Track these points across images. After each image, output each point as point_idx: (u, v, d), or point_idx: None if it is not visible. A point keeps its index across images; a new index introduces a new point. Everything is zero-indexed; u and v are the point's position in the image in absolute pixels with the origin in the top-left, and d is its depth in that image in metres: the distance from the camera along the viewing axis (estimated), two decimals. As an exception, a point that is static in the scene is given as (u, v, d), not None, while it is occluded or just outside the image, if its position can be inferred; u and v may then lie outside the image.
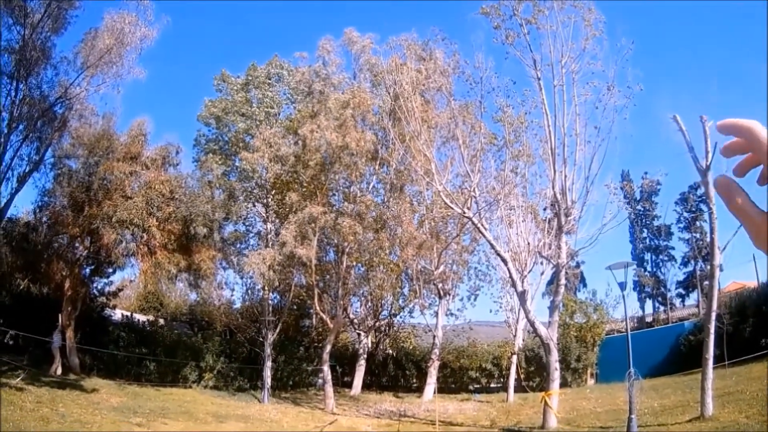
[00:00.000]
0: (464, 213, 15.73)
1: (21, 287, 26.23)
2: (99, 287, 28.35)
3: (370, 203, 24.51)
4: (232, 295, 32.18)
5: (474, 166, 16.97)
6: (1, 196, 21.95)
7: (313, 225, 23.39)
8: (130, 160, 23.48)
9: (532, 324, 15.44)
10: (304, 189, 25.74)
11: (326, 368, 24.93)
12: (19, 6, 21.26)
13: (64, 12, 22.83)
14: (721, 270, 14.85)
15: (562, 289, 15.73)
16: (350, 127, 23.99)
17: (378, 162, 27.38)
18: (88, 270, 26.28)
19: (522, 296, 15.48)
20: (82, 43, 22.97)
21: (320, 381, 28.65)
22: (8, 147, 21.50)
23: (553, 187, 16.26)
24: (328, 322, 24.94)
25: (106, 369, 24.99)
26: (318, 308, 24.40)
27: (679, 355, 27.60)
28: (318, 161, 24.52)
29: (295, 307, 32.84)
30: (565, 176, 16.16)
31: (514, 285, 16.14)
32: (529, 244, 17.10)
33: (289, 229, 23.22)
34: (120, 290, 31.07)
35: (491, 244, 15.79)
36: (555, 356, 15.53)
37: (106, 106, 24.86)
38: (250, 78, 30.25)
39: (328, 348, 25.26)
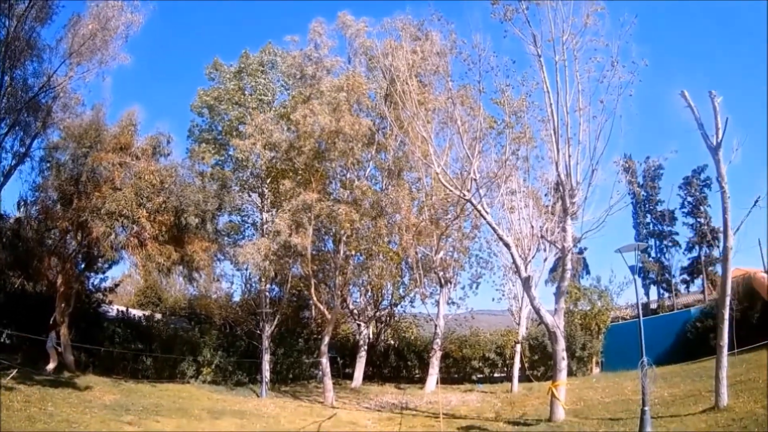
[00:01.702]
0: (463, 195, 14.95)
1: (15, 285, 25.61)
2: (95, 283, 27.71)
3: (367, 190, 23.64)
4: (230, 288, 31.54)
5: (473, 150, 16.08)
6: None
7: (308, 213, 22.64)
8: (119, 151, 22.66)
9: (537, 311, 14.68)
10: (299, 177, 24.93)
11: (324, 360, 24.19)
12: (3, -5, 20.58)
13: (49, 2, 22.09)
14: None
15: (568, 275, 14.98)
16: (345, 111, 23.16)
17: (375, 148, 26.55)
18: (82, 265, 25.62)
19: (526, 282, 14.70)
20: (66, 29, 22.32)
21: (320, 374, 28.16)
22: (-7, 140, 20.93)
23: (556, 168, 15.49)
24: (326, 312, 24.18)
25: (102, 366, 24.27)
26: (315, 299, 23.62)
27: (686, 343, 26.99)
28: (312, 147, 23.68)
29: (294, 298, 32.37)
30: (569, 156, 15.38)
31: (517, 271, 15.40)
32: (532, 227, 16.35)
33: (282, 218, 22.48)
34: (117, 285, 30.42)
35: (493, 228, 14.99)
36: (562, 345, 14.81)
37: (94, 96, 24.27)
38: (243, 66, 29.63)
39: (327, 339, 24.49)
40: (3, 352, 21.33)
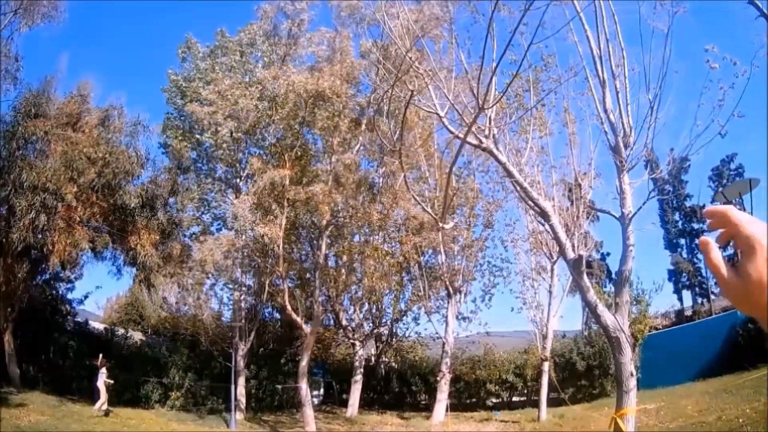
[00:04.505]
0: (481, 143, 10.34)
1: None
2: (62, 293, 23.89)
3: (351, 164, 18.62)
4: (198, 298, 26.66)
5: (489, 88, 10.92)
6: None
7: (277, 196, 17.86)
8: (65, 125, 19.00)
9: (593, 309, 9.91)
10: (269, 153, 20.25)
11: (304, 386, 18.94)
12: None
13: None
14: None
15: (632, 253, 10.31)
16: (326, 72, 18.53)
17: (365, 127, 21.54)
18: (46, 274, 21.64)
19: (576, 266, 9.86)
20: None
21: (315, 400, 23.53)
22: None
23: (604, 109, 10.90)
24: (302, 325, 19.08)
25: (54, 383, 20.50)
26: (290, 308, 18.58)
27: (737, 350, 22.39)
28: (284, 116, 18.86)
29: (279, 312, 28.01)
30: (618, 92, 10.76)
31: (561, 251, 10.70)
32: (579, 186, 11.69)
33: (244, 201, 17.80)
34: (86, 297, 26.19)
35: (525, 190, 10.25)
36: (628, 355, 10.11)
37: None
38: (218, 44, 25.47)
39: (306, 359, 19.16)
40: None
